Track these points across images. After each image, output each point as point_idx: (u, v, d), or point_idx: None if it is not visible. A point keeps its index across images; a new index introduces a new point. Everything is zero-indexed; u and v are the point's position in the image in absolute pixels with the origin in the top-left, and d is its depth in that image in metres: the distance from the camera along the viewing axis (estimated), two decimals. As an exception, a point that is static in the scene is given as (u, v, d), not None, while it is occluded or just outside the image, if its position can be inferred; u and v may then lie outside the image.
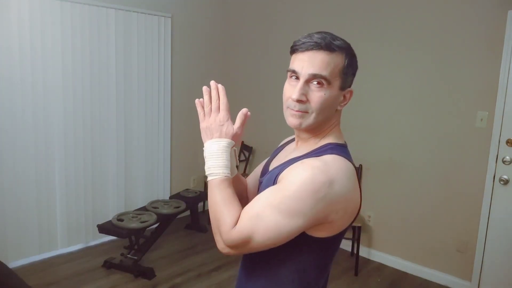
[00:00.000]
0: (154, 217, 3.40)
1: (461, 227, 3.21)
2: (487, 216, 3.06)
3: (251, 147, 4.62)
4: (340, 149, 1.06)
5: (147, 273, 3.23)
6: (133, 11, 3.79)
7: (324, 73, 1.00)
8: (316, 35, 1.01)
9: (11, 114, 3.15)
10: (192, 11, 4.39)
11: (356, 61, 1.06)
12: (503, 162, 2.97)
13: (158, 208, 3.65)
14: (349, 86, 1.07)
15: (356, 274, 3.44)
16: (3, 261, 2.62)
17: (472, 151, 3.12)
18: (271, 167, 1.18)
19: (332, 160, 1.00)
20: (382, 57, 3.52)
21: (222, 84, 1.13)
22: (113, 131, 3.79)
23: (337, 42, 1.01)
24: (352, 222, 1.08)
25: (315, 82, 1.01)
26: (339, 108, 1.08)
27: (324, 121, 1.06)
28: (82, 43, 3.47)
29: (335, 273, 3.44)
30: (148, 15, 3.92)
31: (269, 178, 1.10)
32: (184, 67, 4.40)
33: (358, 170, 3.69)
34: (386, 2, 3.46)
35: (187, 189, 4.34)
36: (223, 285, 3.19)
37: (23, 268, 3.28)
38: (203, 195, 4.27)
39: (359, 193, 1.06)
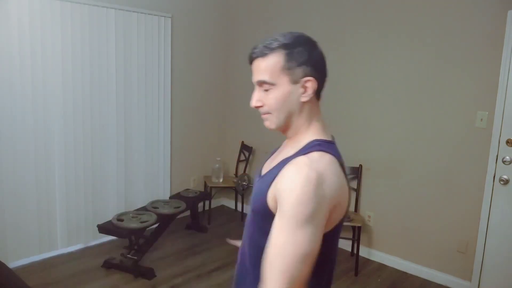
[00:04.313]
0: (154, 217, 3.40)
1: (461, 227, 3.21)
2: (487, 216, 3.06)
3: (251, 147, 4.63)
4: (327, 146, 1.06)
5: (147, 273, 3.23)
6: (133, 11, 3.79)
7: (264, 77, 1.05)
8: (254, 48, 1.08)
9: (11, 114, 3.15)
10: (192, 11, 4.39)
11: (300, 50, 1.05)
12: (503, 162, 2.97)
13: (158, 208, 3.65)
14: (305, 76, 1.05)
15: (356, 274, 3.44)
16: (3, 261, 2.63)
17: (472, 151, 3.12)
18: (265, 169, 1.17)
19: (319, 157, 1.00)
20: (381, 57, 3.52)
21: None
22: (113, 131, 3.79)
23: (270, 45, 1.05)
24: (343, 218, 1.07)
25: (264, 87, 1.07)
26: (303, 99, 1.07)
27: (290, 116, 1.08)
28: (82, 43, 3.47)
29: (335, 273, 3.44)
30: (148, 15, 3.92)
31: (264, 180, 1.08)
32: (184, 67, 4.40)
33: (358, 170, 3.69)
34: (386, 2, 3.46)
35: (187, 189, 4.34)
36: (223, 286, 3.19)
37: (23, 268, 3.28)
38: (203, 195, 4.27)
39: (347, 188, 1.06)
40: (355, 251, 3.59)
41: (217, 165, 4.52)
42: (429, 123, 3.32)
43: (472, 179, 3.13)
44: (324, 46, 1.11)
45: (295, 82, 1.05)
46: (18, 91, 3.16)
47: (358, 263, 3.47)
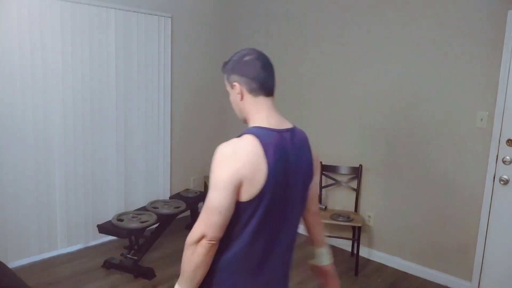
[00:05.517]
0: (154, 217, 3.40)
1: (461, 227, 3.21)
2: (487, 216, 3.06)
3: (251, 147, 4.62)
4: (256, 130, 1.28)
5: (147, 273, 3.23)
6: (133, 11, 3.79)
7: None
8: None
9: (11, 114, 3.15)
10: (192, 11, 4.39)
11: (229, 63, 1.37)
12: (503, 162, 2.97)
13: (158, 208, 3.65)
14: (234, 82, 1.35)
15: (356, 274, 3.44)
16: (3, 261, 2.63)
17: (472, 151, 3.12)
18: None
19: (245, 137, 1.25)
20: (381, 57, 3.52)
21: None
22: (113, 131, 3.79)
23: (224, 63, 1.41)
24: (263, 192, 1.22)
25: None
26: (238, 99, 1.36)
27: (240, 111, 1.39)
28: (82, 43, 3.47)
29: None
30: (148, 15, 3.92)
31: None
32: (184, 67, 4.40)
33: (358, 170, 3.69)
34: (386, 2, 3.46)
35: (187, 189, 4.34)
36: (223, 285, 3.19)
37: (23, 268, 3.28)
38: (203, 195, 4.26)
39: (266, 164, 1.22)
40: (355, 251, 3.59)
41: (217, 165, 4.51)
42: (429, 123, 3.32)
43: (472, 179, 3.13)
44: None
45: (231, 87, 1.37)
46: (18, 91, 3.16)
47: (358, 263, 3.47)
